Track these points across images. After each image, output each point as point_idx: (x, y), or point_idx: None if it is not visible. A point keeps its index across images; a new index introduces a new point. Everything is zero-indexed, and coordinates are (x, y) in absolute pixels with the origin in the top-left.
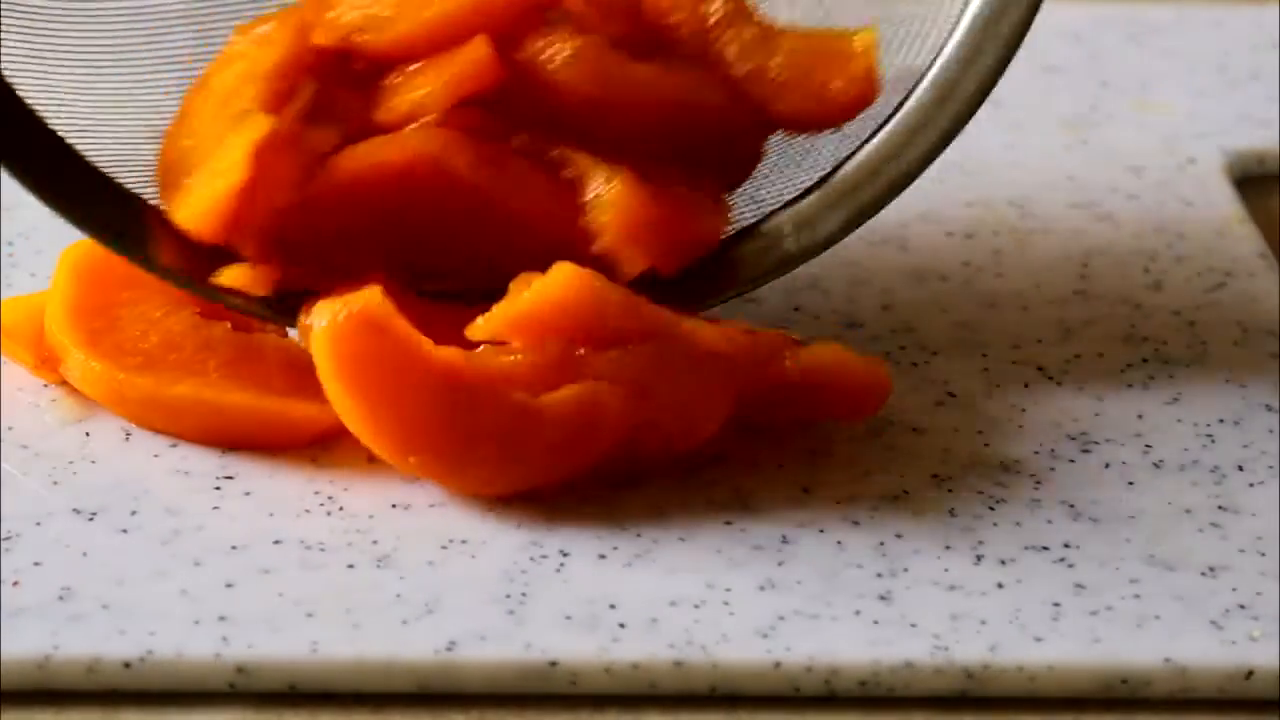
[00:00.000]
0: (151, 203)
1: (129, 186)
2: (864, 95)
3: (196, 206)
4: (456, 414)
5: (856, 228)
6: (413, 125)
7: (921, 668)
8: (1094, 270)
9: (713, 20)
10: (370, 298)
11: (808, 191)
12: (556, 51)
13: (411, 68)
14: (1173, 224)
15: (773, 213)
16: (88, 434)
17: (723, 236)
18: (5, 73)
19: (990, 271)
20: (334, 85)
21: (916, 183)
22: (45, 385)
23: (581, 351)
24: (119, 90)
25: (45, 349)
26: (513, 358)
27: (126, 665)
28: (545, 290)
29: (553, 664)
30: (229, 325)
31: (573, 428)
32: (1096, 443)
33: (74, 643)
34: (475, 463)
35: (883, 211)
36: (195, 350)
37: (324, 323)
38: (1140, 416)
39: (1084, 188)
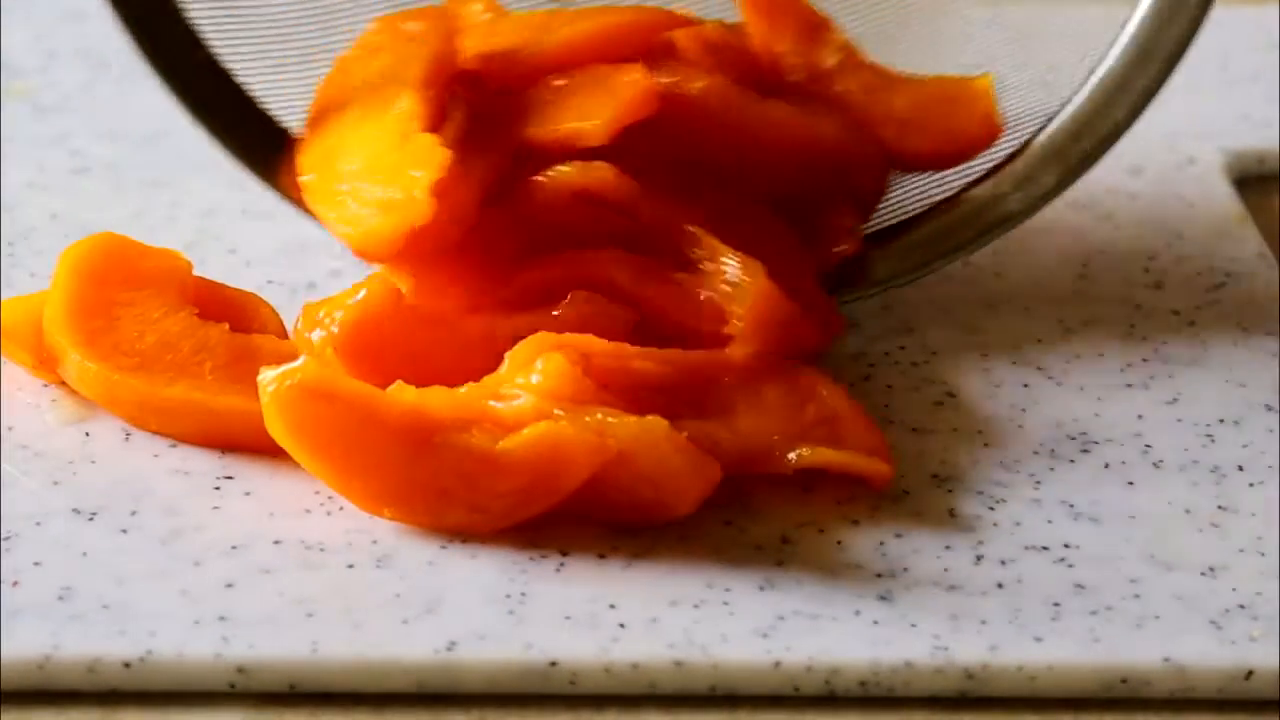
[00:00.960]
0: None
1: (277, 120)
2: (989, 134)
3: (372, 233)
4: (418, 466)
5: (1074, 182)
6: (573, 166)
7: (921, 668)
8: (1094, 270)
9: (828, 65)
10: (307, 368)
11: (1020, 150)
12: (688, 87)
13: (557, 82)
14: (1173, 224)
15: (989, 172)
16: (88, 434)
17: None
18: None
19: (990, 271)
20: (476, 94)
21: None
22: (45, 385)
23: (558, 412)
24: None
25: (44, 349)
26: (490, 403)
27: (126, 665)
28: (536, 384)
29: (553, 664)
30: (227, 327)
31: (533, 471)
32: (1096, 443)
33: (74, 643)
34: (446, 510)
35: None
36: (192, 351)
37: (268, 395)
38: (1140, 416)
39: (1084, 188)
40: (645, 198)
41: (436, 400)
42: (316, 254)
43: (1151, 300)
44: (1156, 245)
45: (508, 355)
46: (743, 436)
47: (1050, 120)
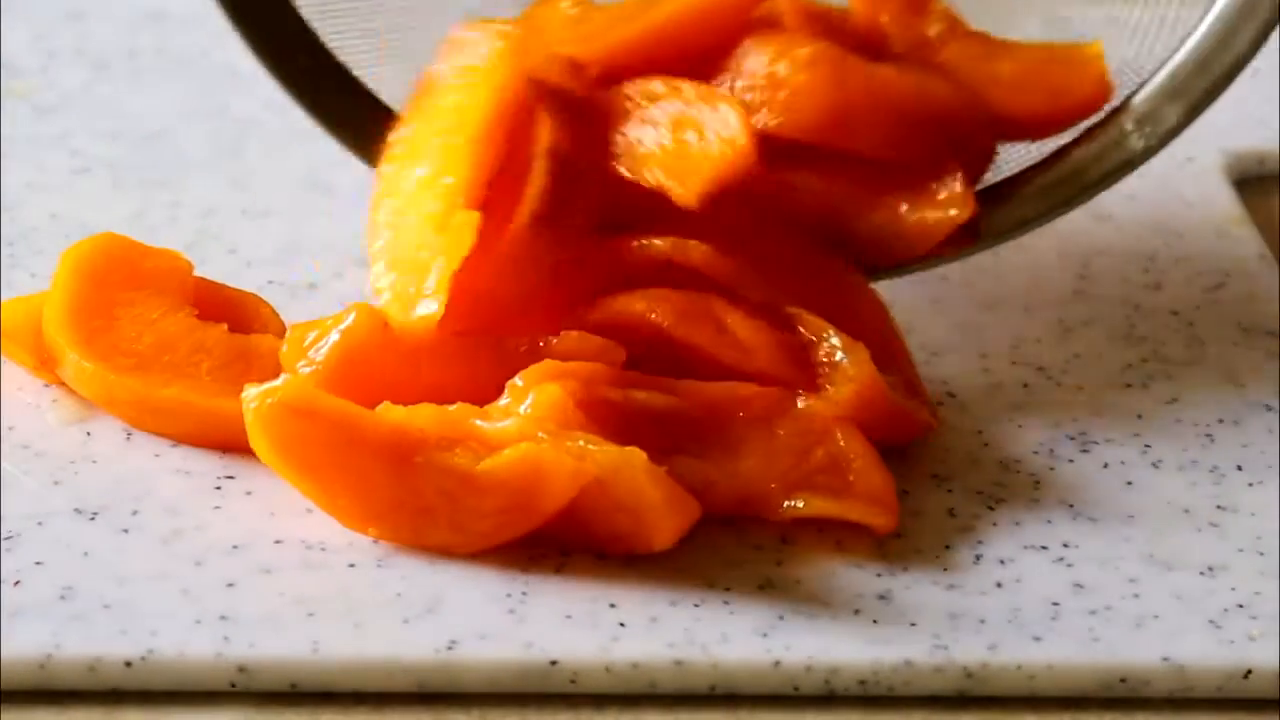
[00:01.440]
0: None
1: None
2: (1100, 97)
3: (410, 323)
4: (400, 484)
5: (1197, 117)
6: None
7: (921, 667)
8: (1094, 270)
9: (931, 33)
10: (289, 386)
11: (1139, 88)
12: (794, 55)
13: (651, 99)
14: (1173, 224)
15: (1111, 114)
16: (88, 434)
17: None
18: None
19: (990, 271)
20: (561, 119)
21: None
22: (45, 385)
23: (542, 435)
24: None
25: (44, 350)
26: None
27: (128, 665)
28: (525, 413)
29: (553, 663)
30: (225, 327)
31: (513, 490)
32: (1096, 443)
33: (75, 642)
34: (429, 529)
35: None
36: (189, 352)
37: (250, 413)
38: (1140, 416)
39: None
40: (743, 274)
41: (421, 419)
42: (316, 254)
43: (1151, 300)
44: (1156, 245)
45: (508, 386)
46: (740, 480)
47: (1171, 56)
